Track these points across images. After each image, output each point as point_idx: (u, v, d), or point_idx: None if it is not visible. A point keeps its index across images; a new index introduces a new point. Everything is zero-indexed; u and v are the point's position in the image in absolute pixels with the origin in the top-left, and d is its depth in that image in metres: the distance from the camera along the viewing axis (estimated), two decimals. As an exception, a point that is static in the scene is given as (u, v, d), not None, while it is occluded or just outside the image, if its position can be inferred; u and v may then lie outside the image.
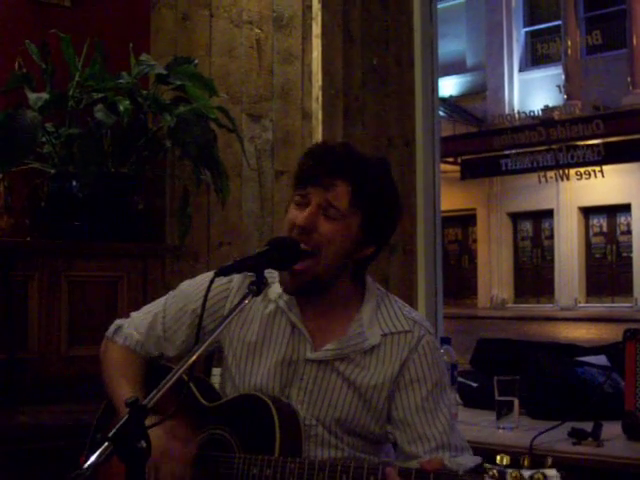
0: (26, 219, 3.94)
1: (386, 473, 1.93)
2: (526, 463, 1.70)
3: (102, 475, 2.25)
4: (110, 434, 1.57)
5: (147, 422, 1.65)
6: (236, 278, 2.37)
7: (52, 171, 3.84)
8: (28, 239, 3.86)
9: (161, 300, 2.50)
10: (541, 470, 1.68)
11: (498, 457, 1.74)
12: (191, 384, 2.33)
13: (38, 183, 3.92)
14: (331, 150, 2.31)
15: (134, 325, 2.47)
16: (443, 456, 2.15)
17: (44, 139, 3.78)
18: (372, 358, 2.28)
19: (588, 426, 3.03)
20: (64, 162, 3.82)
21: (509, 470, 1.70)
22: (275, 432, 2.15)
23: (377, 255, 2.34)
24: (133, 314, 2.52)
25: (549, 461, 1.70)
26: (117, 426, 1.58)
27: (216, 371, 2.79)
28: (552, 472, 1.68)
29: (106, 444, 1.56)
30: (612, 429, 3.08)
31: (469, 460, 2.19)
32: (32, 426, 3.25)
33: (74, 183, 3.80)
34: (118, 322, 2.52)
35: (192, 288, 2.46)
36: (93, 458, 1.55)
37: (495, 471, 1.72)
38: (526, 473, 1.69)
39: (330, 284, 2.27)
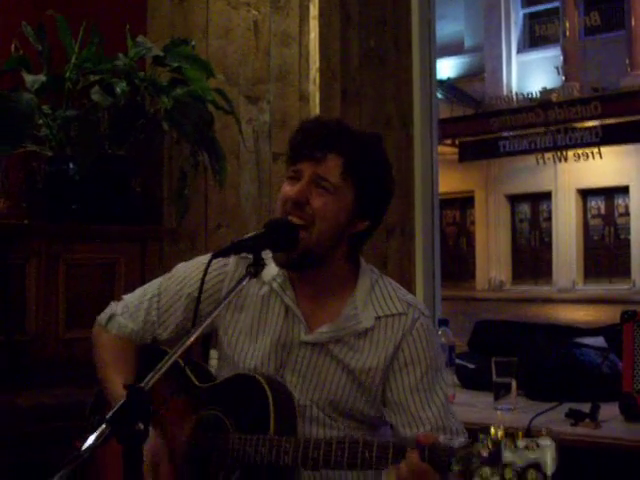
0: (23, 202, 3.93)
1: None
2: (520, 435, 1.71)
3: (100, 457, 2.26)
4: (108, 416, 1.57)
5: None
6: (231, 262, 2.37)
7: (49, 154, 3.83)
8: (25, 222, 3.86)
9: (155, 283, 2.49)
10: (535, 439, 1.69)
11: (492, 429, 1.74)
12: (186, 367, 2.34)
13: (35, 166, 3.91)
14: (322, 124, 2.31)
15: (128, 313, 2.45)
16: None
17: (41, 121, 3.77)
18: (366, 341, 2.29)
19: (586, 407, 3.04)
20: (61, 144, 3.81)
21: (503, 441, 1.71)
22: (269, 412, 2.15)
23: (372, 233, 2.35)
24: (126, 298, 2.50)
25: (544, 432, 1.70)
26: (115, 408, 1.58)
27: (214, 353, 2.79)
28: (546, 441, 1.68)
29: (104, 426, 1.56)
30: (609, 410, 3.09)
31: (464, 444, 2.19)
32: (31, 408, 3.26)
33: (71, 165, 3.79)
34: (111, 309, 2.49)
35: (188, 271, 2.45)
36: (91, 440, 1.55)
37: (489, 442, 1.73)
38: (521, 443, 1.69)
39: (324, 259, 2.26)
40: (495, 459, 1.70)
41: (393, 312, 2.31)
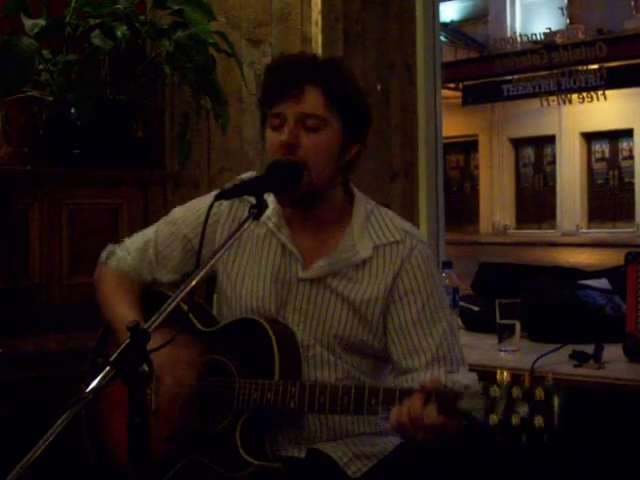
0: (25, 148, 3.91)
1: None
2: (526, 381, 1.71)
3: (103, 399, 2.27)
4: (112, 358, 1.57)
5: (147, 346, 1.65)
6: (225, 202, 2.35)
7: (50, 99, 3.81)
8: (27, 167, 3.84)
9: (153, 227, 2.52)
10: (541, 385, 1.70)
11: (498, 372, 1.74)
12: (189, 311, 2.33)
13: (36, 111, 3.88)
14: (290, 59, 2.24)
15: (127, 249, 2.48)
16: (439, 372, 2.15)
17: (41, 66, 3.74)
18: (364, 272, 2.26)
19: (589, 348, 3.05)
20: (62, 89, 3.78)
21: (513, 388, 1.71)
22: (274, 355, 2.16)
23: (359, 155, 2.30)
24: (126, 240, 2.54)
25: (549, 378, 1.71)
26: (118, 350, 1.58)
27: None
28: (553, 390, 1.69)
29: (108, 368, 1.56)
30: (613, 351, 3.10)
31: (464, 378, 2.18)
32: (36, 353, 3.27)
33: (72, 110, 3.77)
34: (111, 248, 2.53)
35: (184, 213, 2.46)
36: (95, 382, 1.55)
37: (496, 388, 1.73)
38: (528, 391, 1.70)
39: (326, 193, 2.24)
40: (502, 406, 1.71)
41: (390, 240, 2.28)
